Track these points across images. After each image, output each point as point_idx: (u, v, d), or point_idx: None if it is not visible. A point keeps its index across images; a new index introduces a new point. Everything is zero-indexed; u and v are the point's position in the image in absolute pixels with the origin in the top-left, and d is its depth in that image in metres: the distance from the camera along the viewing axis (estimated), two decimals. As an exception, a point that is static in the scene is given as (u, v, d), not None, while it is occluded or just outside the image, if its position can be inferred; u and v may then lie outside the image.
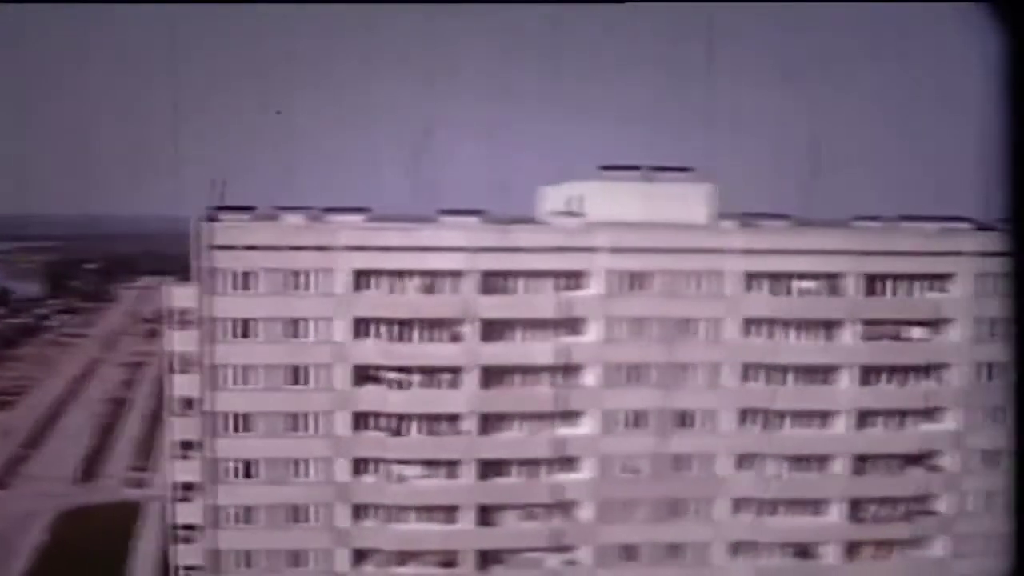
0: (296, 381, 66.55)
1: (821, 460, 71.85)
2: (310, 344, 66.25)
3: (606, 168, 72.30)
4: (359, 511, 68.76)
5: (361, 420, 67.67)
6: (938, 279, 71.60)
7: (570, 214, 71.82)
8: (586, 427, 69.25)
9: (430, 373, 67.53)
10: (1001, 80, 11.90)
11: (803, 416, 71.21)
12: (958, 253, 71.30)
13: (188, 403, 66.62)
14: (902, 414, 72.36)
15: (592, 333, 68.22)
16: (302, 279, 65.74)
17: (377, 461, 68.30)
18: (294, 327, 66.09)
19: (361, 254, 65.97)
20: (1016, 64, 11.87)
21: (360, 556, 69.30)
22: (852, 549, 72.90)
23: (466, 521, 69.22)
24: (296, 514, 68.16)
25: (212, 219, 65.61)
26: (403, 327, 66.90)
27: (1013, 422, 12.61)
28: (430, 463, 68.58)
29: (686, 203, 71.19)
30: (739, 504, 71.22)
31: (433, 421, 68.02)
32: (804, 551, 72.59)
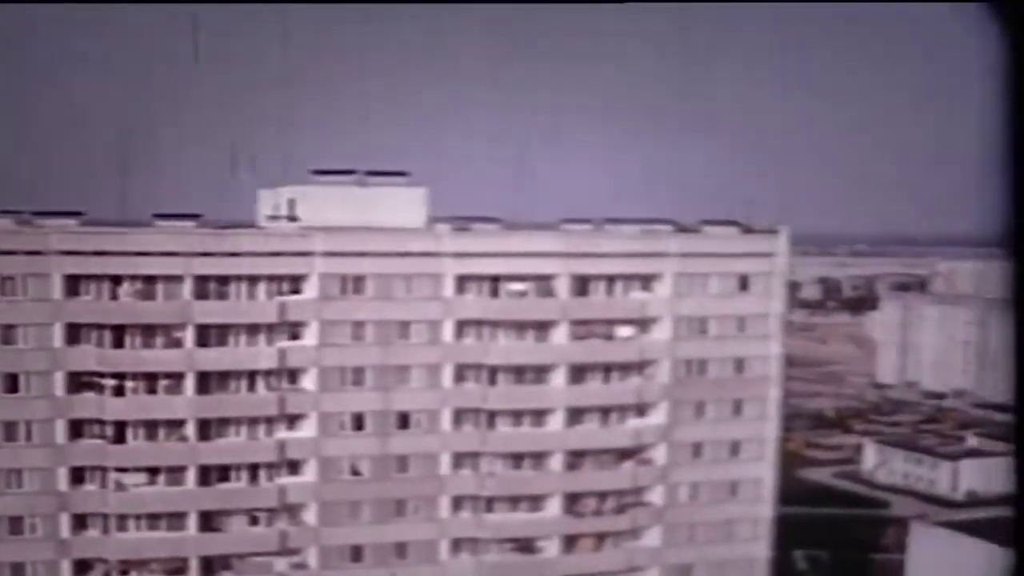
0: (10, 389, 66.16)
1: (537, 457, 74.47)
2: (24, 351, 65.96)
3: (318, 172, 73.91)
4: (80, 521, 68.46)
5: (79, 428, 67.56)
6: (644, 279, 75.07)
7: (283, 218, 73.19)
8: (306, 430, 70.45)
9: (148, 379, 67.87)
10: (1002, 80, 11.94)
11: (518, 415, 73.70)
12: (661, 254, 74.95)
13: None
14: (613, 410, 75.48)
15: (310, 337, 69.59)
16: (12, 284, 65.48)
17: (97, 469, 68.13)
18: (7, 334, 65.76)
19: (74, 258, 65.90)
20: (1016, 64, 11.88)
21: (83, 567, 68.88)
22: (571, 542, 75.60)
23: (190, 528, 69.57)
24: (15, 526, 67.41)
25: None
26: (119, 332, 67.12)
27: (1014, 421, 13.10)
28: (151, 470, 68.77)
29: (400, 207, 73.30)
30: (459, 502, 73.26)
31: (152, 427, 68.30)
32: (525, 546, 74.97)
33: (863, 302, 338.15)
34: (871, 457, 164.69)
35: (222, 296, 68.38)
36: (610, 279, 74.64)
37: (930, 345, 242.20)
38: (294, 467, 70.66)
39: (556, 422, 74.12)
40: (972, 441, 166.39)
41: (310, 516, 71.22)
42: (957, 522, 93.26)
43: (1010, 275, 12.62)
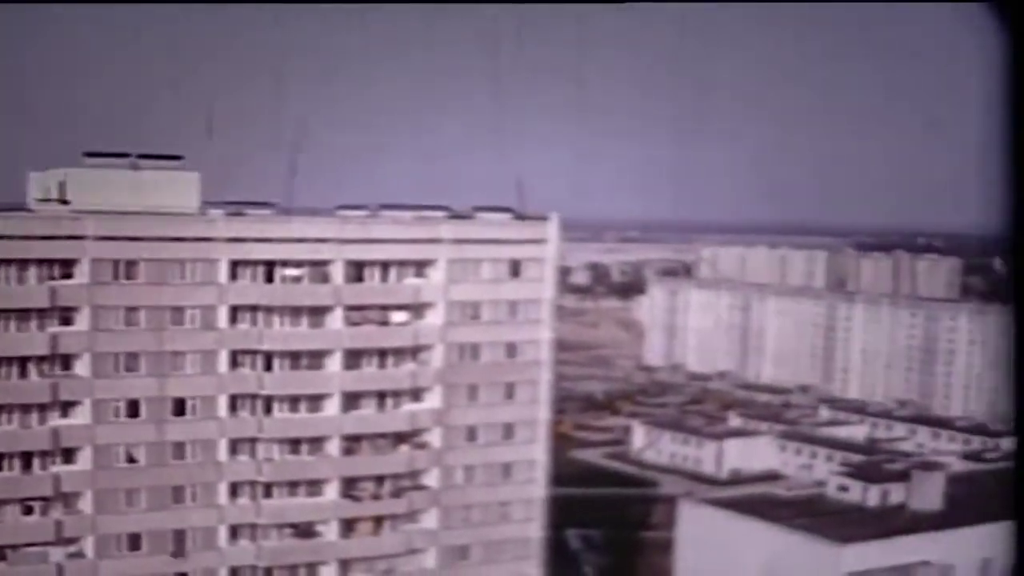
0: None
1: (314, 442, 75.16)
2: None
3: (90, 155, 72.98)
4: None
5: None
6: (417, 265, 76.33)
7: (54, 201, 72.13)
8: (80, 417, 69.60)
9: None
10: (1002, 79, 12.12)
11: (295, 400, 74.20)
12: (435, 240, 76.32)
13: None
14: (388, 395, 76.63)
15: (82, 322, 68.76)
16: None
17: None
18: None
19: None
20: (1017, 64, 12.08)
21: None
22: (349, 526, 76.53)
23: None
24: None
25: None
26: None
27: (1014, 423, 14.00)
28: (-81, 461, 67.21)
29: (174, 191, 72.97)
30: (237, 488, 73.45)
31: (-79, 417, 66.75)
32: (304, 530, 75.56)
33: (631, 287, 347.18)
34: (639, 438, 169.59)
35: (-9, 281, 66.92)
36: (384, 265, 75.60)
37: (695, 328, 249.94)
38: (68, 455, 69.63)
39: (332, 407, 74.86)
40: (735, 421, 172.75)
41: (86, 504, 70.38)
42: (722, 499, 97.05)
43: (1010, 275, 13.06)
